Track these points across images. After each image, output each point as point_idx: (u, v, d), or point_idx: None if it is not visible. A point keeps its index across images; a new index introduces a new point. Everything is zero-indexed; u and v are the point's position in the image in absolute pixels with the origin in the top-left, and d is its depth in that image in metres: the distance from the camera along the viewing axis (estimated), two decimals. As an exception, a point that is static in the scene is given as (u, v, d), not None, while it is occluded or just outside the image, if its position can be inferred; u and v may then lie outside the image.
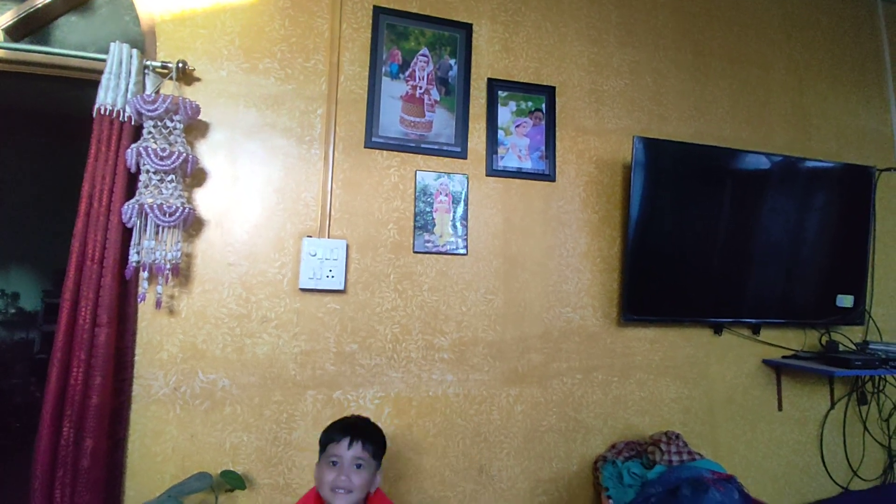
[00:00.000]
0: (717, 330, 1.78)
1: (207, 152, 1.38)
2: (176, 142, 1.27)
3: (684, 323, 1.74)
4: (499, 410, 1.52)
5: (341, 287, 1.41)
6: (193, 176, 1.35)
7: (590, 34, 1.75)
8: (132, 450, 1.25)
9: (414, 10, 1.57)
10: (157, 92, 1.32)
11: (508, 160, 1.60)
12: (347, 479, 1.04)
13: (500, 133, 1.60)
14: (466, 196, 1.55)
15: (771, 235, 1.78)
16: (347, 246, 1.43)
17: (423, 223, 1.50)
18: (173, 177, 1.26)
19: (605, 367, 1.64)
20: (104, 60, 1.26)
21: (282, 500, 1.32)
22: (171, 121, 1.27)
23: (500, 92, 1.62)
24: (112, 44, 1.26)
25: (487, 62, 1.63)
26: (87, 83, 1.34)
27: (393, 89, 1.52)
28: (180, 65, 1.32)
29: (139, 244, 1.23)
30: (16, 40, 1.34)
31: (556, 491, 1.55)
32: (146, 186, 1.23)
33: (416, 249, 1.49)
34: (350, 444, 1.07)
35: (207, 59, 1.39)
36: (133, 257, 1.22)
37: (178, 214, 1.24)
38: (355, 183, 1.47)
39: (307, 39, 1.48)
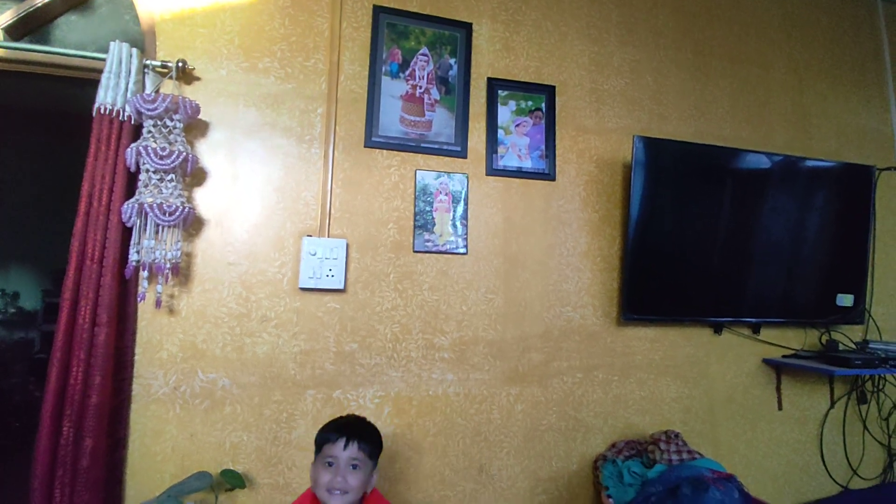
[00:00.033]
0: (718, 329, 1.78)
1: (207, 151, 1.37)
2: (176, 141, 1.27)
3: (684, 322, 1.74)
4: (499, 409, 1.52)
5: (341, 286, 1.41)
6: (193, 175, 1.35)
7: (590, 33, 1.75)
8: (132, 449, 1.25)
9: (414, 10, 1.56)
10: (157, 91, 1.31)
11: (508, 159, 1.60)
12: (343, 480, 1.04)
13: (500, 132, 1.60)
14: (466, 195, 1.55)
15: (771, 235, 1.78)
16: (347, 245, 1.43)
17: (423, 222, 1.50)
18: (173, 176, 1.26)
19: (606, 367, 1.64)
20: (104, 59, 1.26)
21: (282, 500, 1.31)
22: (171, 120, 1.27)
23: (500, 91, 1.62)
24: (112, 43, 1.26)
25: (488, 61, 1.63)
26: (86, 82, 1.34)
27: (393, 88, 1.52)
28: (180, 64, 1.32)
29: (139, 243, 1.23)
30: (15, 39, 1.34)
31: (556, 490, 1.55)
32: (146, 186, 1.23)
33: (416, 249, 1.49)
34: (346, 445, 1.06)
35: (207, 58, 1.39)
36: (133, 256, 1.22)
37: (177, 214, 1.24)
38: (355, 182, 1.47)
39: (307, 38, 1.48)
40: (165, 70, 1.32)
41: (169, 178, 1.25)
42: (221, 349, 1.33)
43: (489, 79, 1.61)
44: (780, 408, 1.82)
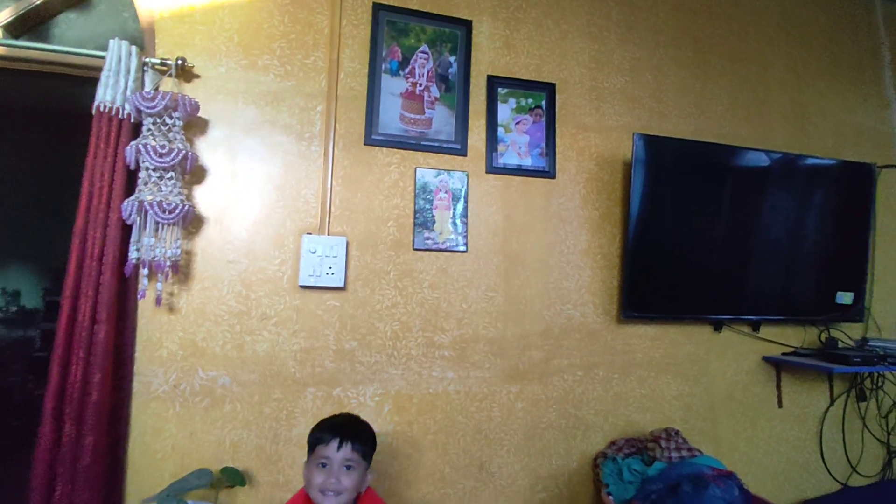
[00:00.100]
0: (717, 327, 1.78)
1: (207, 149, 1.37)
2: (175, 139, 1.27)
3: (684, 320, 1.74)
4: (499, 407, 1.52)
5: (341, 284, 1.40)
6: (193, 173, 1.34)
7: (591, 31, 1.75)
8: (132, 447, 1.25)
9: (414, 7, 1.56)
10: (157, 89, 1.31)
11: (508, 157, 1.60)
12: (337, 481, 1.03)
13: (500, 130, 1.60)
14: (466, 193, 1.55)
15: (771, 232, 1.78)
16: (347, 243, 1.43)
17: (423, 220, 1.50)
18: (173, 174, 1.26)
19: (606, 364, 1.64)
20: (103, 57, 1.25)
21: (282, 498, 1.31)
22: (171, 118, 1.27)
23: (499, 89, 1.62)
24: (111, 41, 1.26)
25: (488, 59, 1.63)
26: (86, 80, 1.34)
27: (393, 86, 1.51)
28: (179, 62, 1.32)
29: (139, 241, 1.23)
30: (15, 37, 1.34)
31: (557, 488, 1.55)
32: (146, 183, 1.23)
33: (416, 247, 1.49)
34: (339, 446, 1.05)
35: (206, 55, 1.39)
36: (133, 254, 1.22)
37: (177, 211, 1.23)
38: (355, 180, 1.47)
39: (307, 36, 1.47)
40: (165, 68, 1.32)
41: (168, 175, 1.25)
42: (221, 347, 1.32)
43: (489, 76, 1.61)
44: (780, 405, 1.83)
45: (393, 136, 1.50)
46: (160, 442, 1.27)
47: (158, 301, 1.27)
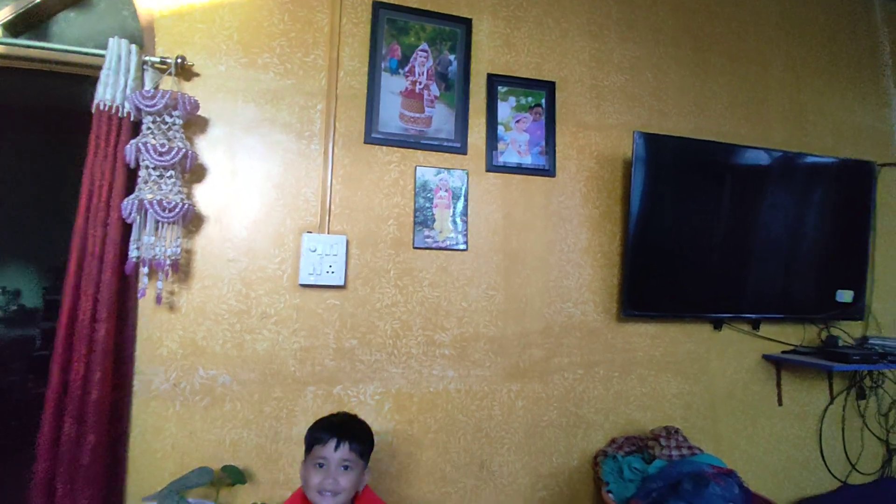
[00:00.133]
0: (717, 325, 1.78)
1: (207, 148, 1.37)
2: (175, 137, 1.26)
3: (685, 318, 1.74)
4: (500, 406, 1.52)
5: (341, 283, 1.40)
6: (192, 171, 1.34)
7: (591, 29, 1.75)
8: (133, 446, 1.25)
9: (414, 5, 1.56)
10: (156, 87, 1.31)
11: (508, 156, 1.60)
12: (334, 481, 1.03)
13: (500, 128, 1.60)
14: (466, 192, 1.54)
15: (771, 231, 1.78)
16: (347, 241, 1.43)
17: (423, 219, 1.50)
18: (173, 172, 1.26)
19: (607, 363, 1.64)
20: (103, 56, 1.25)
21: (282, 496, 1.31)
22: (170, 116, 1.27)
23: (499, 87, 1.62)
24: (111, 39, 1.26)
25: (488, 57, 1.62)
26: (85, 79, 1.34)
27: (392, 85, 1.51)
28: (179, 60, 1.32)
29: (139, 240, 1.22)
30: (14, 36, 1.34)
31: (557, 486, 1.55)
32: (146, 182, 1.23)
33: (416, 245, 1.49)
34: (337, 446, 1.05)
35: (206, 53, 1.39)
36: (133, 253, 1.22)
37: (177, 210, 1.23)
38: (355, 178, 1.47)
39: (306, 34, 1.47)
40: (164, 66, 1.32)
41: (168, 174, 1.25)
42: (221, 346, 1.32)
43: (489, 75, 1.61)
44: (779, 403, 1.83)
45: (393, 135, 1.50)
46: (160, 441, 1.27)
47: (158, 300, 1.27)
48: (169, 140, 1.25)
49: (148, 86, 1.31)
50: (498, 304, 1.55)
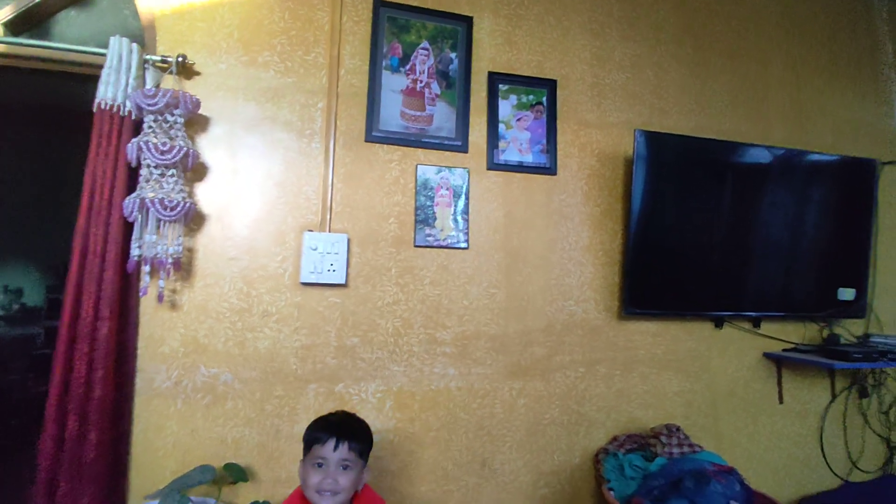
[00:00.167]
0: (719, 323, 1.78)
1: (208, 146, 1.37)
2: (176, 136, 1.27)
3: (686, 316, 1.74)
4: (501, 404, 1.52)
5: (342, 281, 1.40)
6: (194, 170, 1.34)
7: (592, 28, 1.75)
8: (135, 443, 1.25)
9: (415, 3, 1.56)
10: (158, 86, 1.31)
11: (509, 154, 1.60)
12: (334, 481, 1.02)
13: (501, 127, 1.60)
14: (467, 190, 1.54)
15: (772, 229, 1.78)
16: (348, 240, 1.43)
17: (424, 217, 1.50)
18: (174, 171, 1.26)
19: (608, 361, 1.64)
20: (104, 55, 1.25)
21: (284, 494, 1.31)
22: (172, 115, 1.27)
23: (500, 85, 1.62)
24: (112, 38, 1.26)
25: (489, 55, 1.62)
26: (86, 78, 1.33)
27: (393, 83, 1.51)
28: (180, 59, 1.32)
29: (141, 238, 1.23)
30: (15, 35, 1.34)
31: (559, 483, 1.55)
32: (147, 181, 1.23)
33: (417, 243, 1.49)
34: (336, 446, 1.04)
35: (207, 52, 1.39)
36: (135, 251, 1.22)
37: (179, 209, 1.23)
38: (356, 177, 1.47)
39: (307, 32, 1.47)
40: (165, 65, 1.32)
41: (170, 173, 1.25)
42: (223, 344, 1.33)
43: (490, 73, 1.61)
44: (780, 401, 1.83)
45: (394, 133, 1.50)
46: (162, 439, 1.27)
47: (160, 298, 1.27)
48: (170, 139, 1.25)
49: (149, 84, 1.31)
50: (499, 302, 1.55)
